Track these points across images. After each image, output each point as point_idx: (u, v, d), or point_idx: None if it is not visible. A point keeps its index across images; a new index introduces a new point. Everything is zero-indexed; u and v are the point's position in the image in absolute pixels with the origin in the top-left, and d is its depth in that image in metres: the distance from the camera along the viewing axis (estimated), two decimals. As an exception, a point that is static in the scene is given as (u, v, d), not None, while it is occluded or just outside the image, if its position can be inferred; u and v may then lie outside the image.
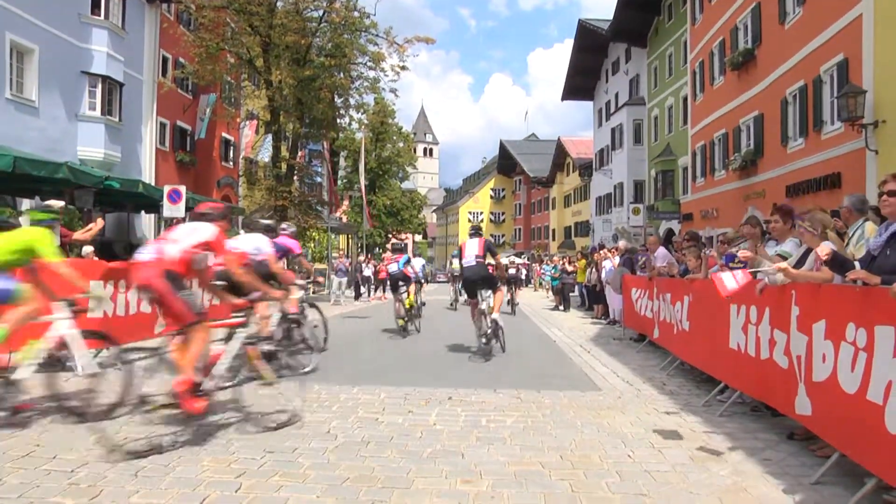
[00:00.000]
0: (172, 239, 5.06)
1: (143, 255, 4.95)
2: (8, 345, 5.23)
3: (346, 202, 54.40)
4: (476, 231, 10.41)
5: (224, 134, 32.40)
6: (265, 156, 26.56)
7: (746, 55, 22.14)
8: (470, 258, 9.87)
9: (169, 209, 14.41)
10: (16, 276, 5.41)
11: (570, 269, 21.00)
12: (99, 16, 22.51)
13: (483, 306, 9.68)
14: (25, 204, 16.72)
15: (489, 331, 9.56)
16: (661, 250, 11.42)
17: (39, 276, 5.49)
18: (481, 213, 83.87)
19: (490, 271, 10.16)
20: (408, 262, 13.37)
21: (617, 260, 14.56)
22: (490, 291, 9.75)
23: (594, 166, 47.04)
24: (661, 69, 34.66)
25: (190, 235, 5.11)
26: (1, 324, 5.20)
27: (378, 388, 6.99)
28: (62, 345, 5.22)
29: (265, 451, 4.58)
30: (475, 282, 9.83)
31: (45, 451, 4.46)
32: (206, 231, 5.16)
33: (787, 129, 19.50)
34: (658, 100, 35.01)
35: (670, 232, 29.40)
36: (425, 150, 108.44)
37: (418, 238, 40.88)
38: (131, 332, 8.38)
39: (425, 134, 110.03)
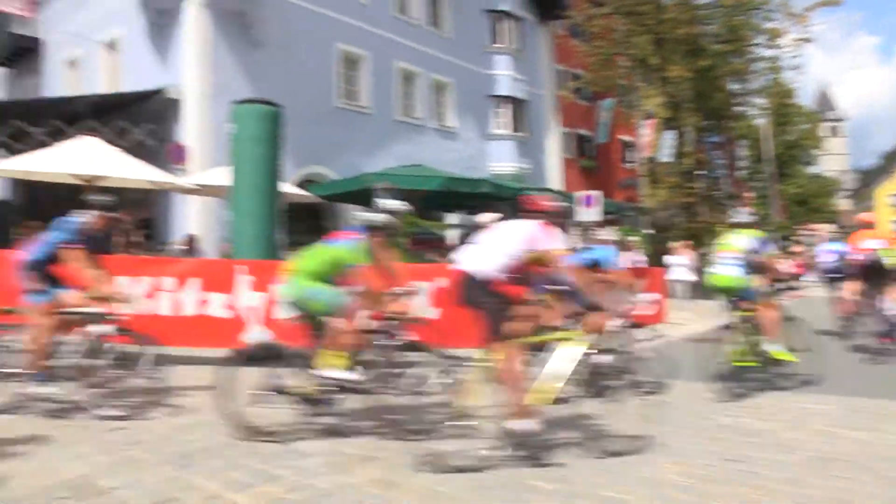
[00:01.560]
0: None
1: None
2: None
3: (747, 194, 50.76)
4: None
5: (622, 136, 33.07)
6: (666, 154, 26.08)
7: None
8: None
9: (584, 213, 15.08)
10: None
11: None
12: (499, 44, 24.87)
13: None
14: (450, 218, 19.15)
15: None
16: None
17: None
18: (905, 194, 70.55)
19: None
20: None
21: None
22: None
23: None
24: None
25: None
26: None
27: (827, 398, 6.15)
28: None
29: (723, 458, 4.34)
30: None
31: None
32: None
33: None
34: None
35: None
36: (829, 128, 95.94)
37: (829, 227, 36.03)
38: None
39: (827, 111, 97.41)
